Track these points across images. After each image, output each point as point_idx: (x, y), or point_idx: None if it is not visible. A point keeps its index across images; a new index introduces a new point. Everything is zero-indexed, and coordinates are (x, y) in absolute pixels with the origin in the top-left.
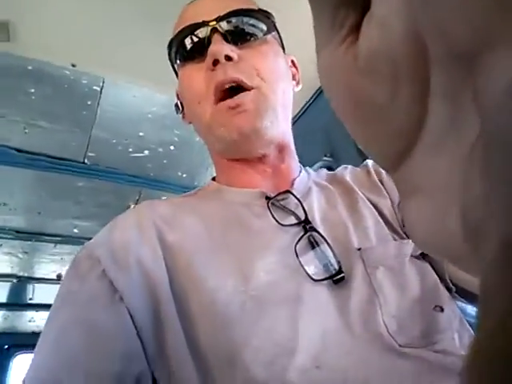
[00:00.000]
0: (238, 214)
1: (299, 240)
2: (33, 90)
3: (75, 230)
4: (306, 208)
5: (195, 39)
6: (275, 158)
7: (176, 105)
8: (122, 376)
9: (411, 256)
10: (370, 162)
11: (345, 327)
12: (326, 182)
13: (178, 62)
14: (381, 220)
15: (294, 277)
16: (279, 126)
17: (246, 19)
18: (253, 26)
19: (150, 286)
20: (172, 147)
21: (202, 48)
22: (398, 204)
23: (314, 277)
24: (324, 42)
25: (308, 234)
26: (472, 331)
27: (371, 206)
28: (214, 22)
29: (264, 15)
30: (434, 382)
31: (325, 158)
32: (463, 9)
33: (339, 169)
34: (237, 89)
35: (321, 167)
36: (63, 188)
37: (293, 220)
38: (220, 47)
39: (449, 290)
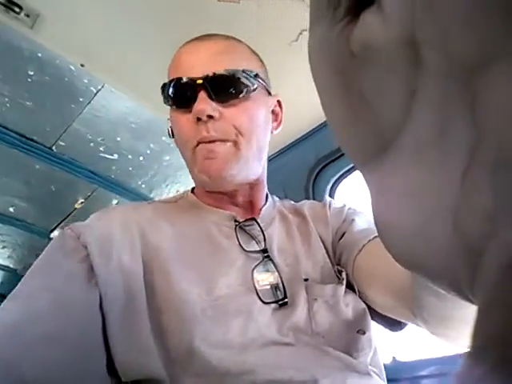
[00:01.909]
0: (210, 231)
1: (256, 265)
2: (32, 73)
3: (10, 209)
4: (266, 237)
5: (183, 92)
6: (246, 192)
7: (169, 131)
8: (76, 345)
9: (346, 287)
10: (328, 198)
11: (280, 338)
12: (289, 211)
13: (169, 105)
14: (326, 255)
15: (248, 294)
16: (248, 171)
17: (231, 81)
18: (237, 86)
19: (125, 278)
20: (141, 158)
21: (188, 100)
22: (336, 231)
23: (263, 299)
24: (318, 19)
25: (264, 261)
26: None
27: (320, 241)
28: (201, 81)
29: (250, 75)
30: (347, 377)
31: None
32: (467, 22)
33: (302, 202)
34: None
35: None
36: (18, 166)
37: (254, 246)
38: (203, 107)
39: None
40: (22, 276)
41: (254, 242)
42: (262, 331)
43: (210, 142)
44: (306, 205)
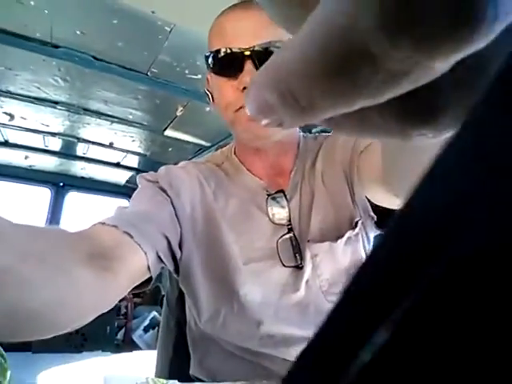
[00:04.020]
0: (247, 200)
1: (281, 237)
2: (116, 22)
3: (130, 116)
4: (291, 209)
5: (229, 62)
6: (279, 149)
7: (206, 93)
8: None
9: (348, 238)
10: None
11: (296, 291)
12: (319, 156)
13: (212, 72)
14: (331, 208)
15: (272, 257)
16: (288, 130)
17: (275, 51)
18: None
19: (190, 212)
20: None
21: (234, 69)
22: (347, 167)
23: (284, 263)
24: None
25: (287, 234)
26: None
27: (346, 185)
28: (249, 53)
29: None
30: None
31: None
32: None
33: (332, 138)
34: None
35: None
36: (127, 88)
37: (281, 218)
38: (250, 78)
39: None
40: (150, 159)
41: (281, 210)
42: (279, 286)
43: None
44: (338, 145)
